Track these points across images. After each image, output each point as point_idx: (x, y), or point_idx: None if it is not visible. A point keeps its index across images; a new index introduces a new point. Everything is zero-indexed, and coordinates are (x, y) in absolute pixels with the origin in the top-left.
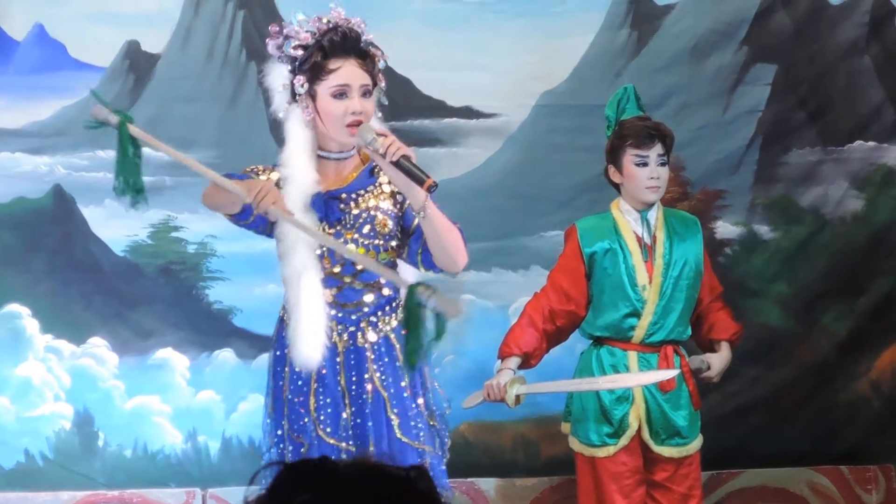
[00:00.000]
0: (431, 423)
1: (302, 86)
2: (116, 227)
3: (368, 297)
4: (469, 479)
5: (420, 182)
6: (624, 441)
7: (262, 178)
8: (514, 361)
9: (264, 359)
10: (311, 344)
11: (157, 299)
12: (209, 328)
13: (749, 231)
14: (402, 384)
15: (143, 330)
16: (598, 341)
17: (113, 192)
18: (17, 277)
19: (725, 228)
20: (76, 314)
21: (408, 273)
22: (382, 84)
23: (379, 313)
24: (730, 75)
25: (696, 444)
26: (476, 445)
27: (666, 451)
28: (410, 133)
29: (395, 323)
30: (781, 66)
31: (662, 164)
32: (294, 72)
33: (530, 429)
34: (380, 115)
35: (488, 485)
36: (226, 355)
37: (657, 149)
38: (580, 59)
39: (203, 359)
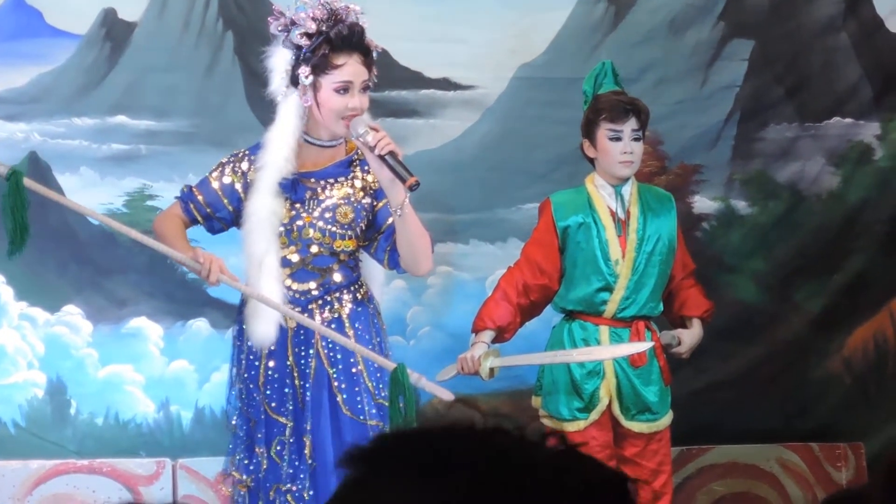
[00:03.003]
0: (378, 401)
1: (307, 77)
2: (92, 195)
3: (319, 281)
4: None
5: (403, 179)
6: (594, 415)
7: (243, 165)
8: (488, 335)
9: None
10: (267, 323)
11: (132, 268)
12: (183, 297)
13: (726, 206)
14: (352, 360)
15: (118, 299)
16: (569, 315)
17: (8, 254)
18: None
19: (703, 203)
20: (51, 282)
21: (374, 271)
22: (374, 75)
23: (327, 297)
24: (707, 50)
25: (667, 419)
26: (447, 419)
27: (636, 426)
28: (387, 104)
29: (348, 308)
30: (759, 41)
31: (637, 139)
32: (298, 59)
33: (502, 402)
34: None
35: None
36: (200, 325)
37: (631, 123)
38: (558, 32)
39: (177, 328)
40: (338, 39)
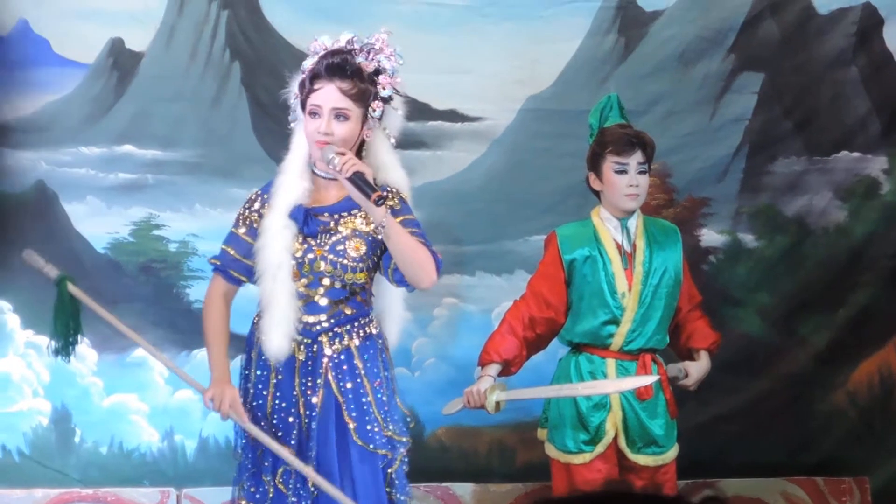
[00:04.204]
0: (387, 433)
1: (295, 98)
2: (98, 223)
3: (330, 313)
4: (444, 484)
5: (367, 196)
6: (600, 448)
7: (256, 205)
8: (494, 368)
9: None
10: (282, 334)
11: (138, 297)
12: (189, 327)
13: (734, 239)
14: (362, 391)
15: None
16: (576, 348)
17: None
18: None
19: (710, 236)
20: None
21: (391, 305)
22: (377, 112)
23: (337, 329)
24: (717, 83)
25: (673, 452)
26: (452, 450)
27: (642, 459)
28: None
29: (357, 341)
30: (768, 74)
31: (642, 172)
32: None
33: (507, 434)
34: (392, 140)
35: (464, 490)
36: (204, 355)
37: (637, 156)
38: (566, 64)
39: (182, 358)
40: (320, 66)
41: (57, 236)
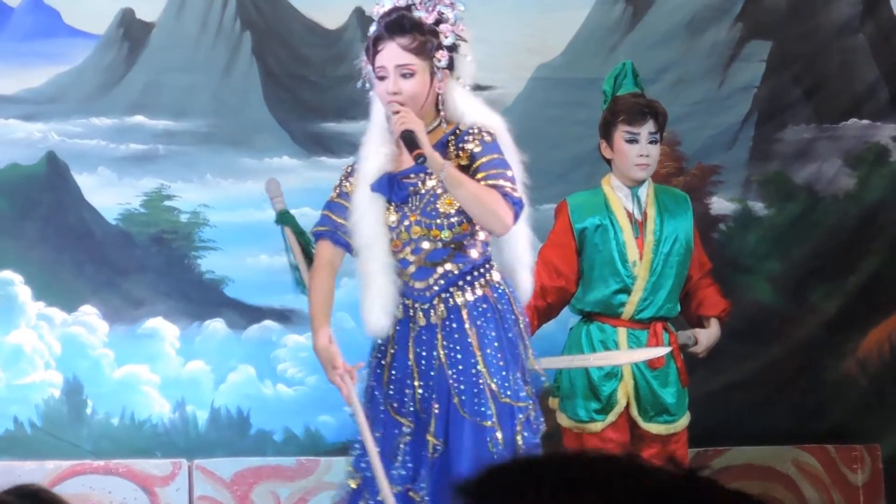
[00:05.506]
0: (503, 400)
1: (365, 65)
2: (109, 195)
3: (438, 273)
4: None
5: (411, 153)
6: (612, 417)
7: (346, 176)
8: None
9: (255, 329)
10: (379, 311)
11: (149, 268)
12: (200, 298)
13: (744, 207)
14: (473, 360)
15: (134, 299)
16: (587, 317)
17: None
18: (10, 244)
19: (720, 204)
20: (68, 282)
21: (520, 254)
22: (443, 62)
23: (451, 289)
24: (725, 51)
25: (684, 421)
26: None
27: (653, 428)
28: None
29: (468, 296)
30: (776, 42)
31: (653, 142)
32: None
33: None
34: (467, 87)
35: None
36: (216, 325)
37: (649, 126)
38: (576, 32)
39: (193, 328)
40: (380, 27)
41: (68, 208)
